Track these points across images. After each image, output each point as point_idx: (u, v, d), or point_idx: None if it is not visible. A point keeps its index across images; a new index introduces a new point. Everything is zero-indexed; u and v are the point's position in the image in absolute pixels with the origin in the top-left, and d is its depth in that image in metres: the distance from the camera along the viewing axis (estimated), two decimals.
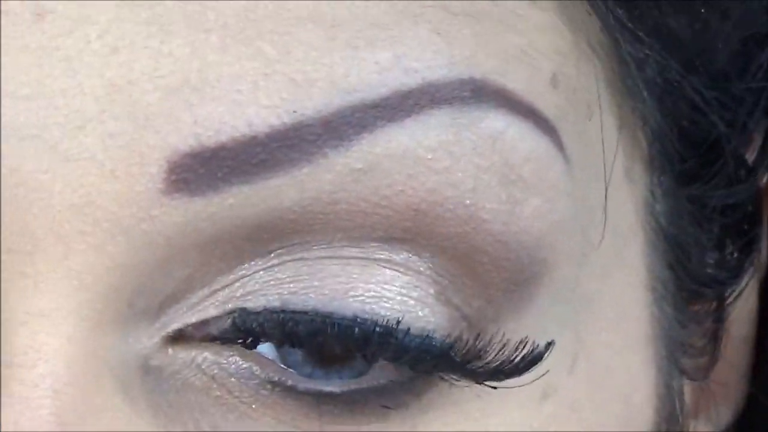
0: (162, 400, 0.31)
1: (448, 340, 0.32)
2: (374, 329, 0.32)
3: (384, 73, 0.31)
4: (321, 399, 0.32)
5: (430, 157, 0.31)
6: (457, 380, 0.33)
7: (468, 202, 0.32)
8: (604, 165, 0.35)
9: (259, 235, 0.31)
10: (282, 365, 0.32)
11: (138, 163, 0.30)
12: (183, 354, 0.32)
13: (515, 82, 0.32)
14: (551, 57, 0.33)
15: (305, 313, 0.32)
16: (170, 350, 0.32)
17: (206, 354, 0.32)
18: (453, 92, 0.31)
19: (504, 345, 0.33)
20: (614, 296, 0.36)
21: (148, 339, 0.31)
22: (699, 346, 0.39)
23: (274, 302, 0.32)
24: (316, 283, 0.32)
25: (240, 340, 0.32)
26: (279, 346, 0.32)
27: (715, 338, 0.40)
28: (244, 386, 0.32)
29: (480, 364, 0.32)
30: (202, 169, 0.30)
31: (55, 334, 0.30)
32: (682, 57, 0.36)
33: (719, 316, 0.40)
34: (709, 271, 0.39)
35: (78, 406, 0.30)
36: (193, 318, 0.32)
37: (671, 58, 0.36)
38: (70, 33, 0.30)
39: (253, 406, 0.32)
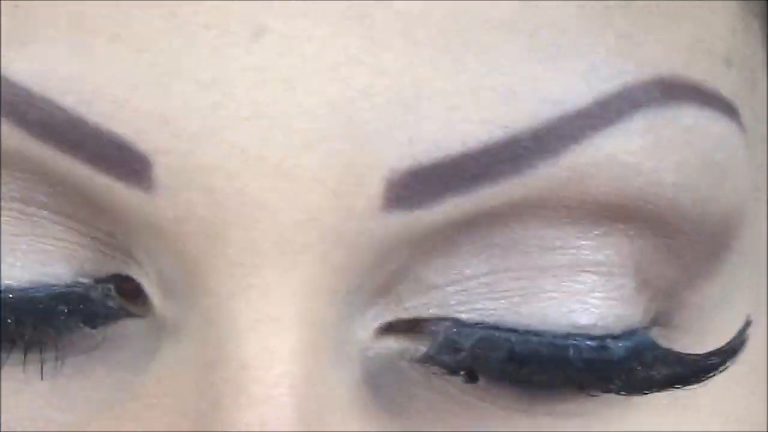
0: (383, 393, 0.33)
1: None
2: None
3: (585, 82, 0.31)
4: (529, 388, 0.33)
5: (635, 161, 0.32)
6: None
7: (670, 195, 0.32)
8: (767, 123, 0.36)
9: (469, 229, 0.32)
10: None
11: (357, 183, 0.30)
12: (395, 345, 0.33)
13: (698, 72, 0.33)
14: (724, 37, 0.34)
15: (521, 332, 0.33)
16: (383, 340, 0.33)
17: (418, 346, 0.33)
18: (646, 95, 0.32)
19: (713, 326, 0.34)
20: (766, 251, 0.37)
21: (362, 330, 0.33)
22: None
23: (490, 318, 0.33)
24: (532, 307, 0.33)
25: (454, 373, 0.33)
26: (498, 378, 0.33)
27: None
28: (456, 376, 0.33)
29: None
30: (418, 186, 0.30)
31: (286, 338, 0.31)
32: None
33: None
34: None
35: (315, 402, 0.31)
36: (404, 315, 0.33)
37: None
38: (287, 52, 0.30)
39: (477, 397, 0.33)
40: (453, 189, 0.31)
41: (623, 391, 0.33)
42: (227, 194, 0.30)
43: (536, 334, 0.32)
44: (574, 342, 0.32)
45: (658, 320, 0.34)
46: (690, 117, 0.32)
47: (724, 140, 0.33)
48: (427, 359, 0.33)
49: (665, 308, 0.34)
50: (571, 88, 0.31)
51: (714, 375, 0.34)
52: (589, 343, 0.32)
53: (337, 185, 0.30)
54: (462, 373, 0.33)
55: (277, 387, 0.31)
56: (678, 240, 0.33)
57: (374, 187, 0.30)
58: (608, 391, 0.33)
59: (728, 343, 0.34)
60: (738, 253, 0.35)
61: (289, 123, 0.30)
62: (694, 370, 0.34)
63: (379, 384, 0.33)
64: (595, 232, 0.33)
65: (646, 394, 0.33)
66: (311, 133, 0.30)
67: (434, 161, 0.30)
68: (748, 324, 0.35)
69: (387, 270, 0.32)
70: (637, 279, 0.33)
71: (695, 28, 0.33)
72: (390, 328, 0.33)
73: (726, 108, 0.33)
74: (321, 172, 0.30)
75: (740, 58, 0.34)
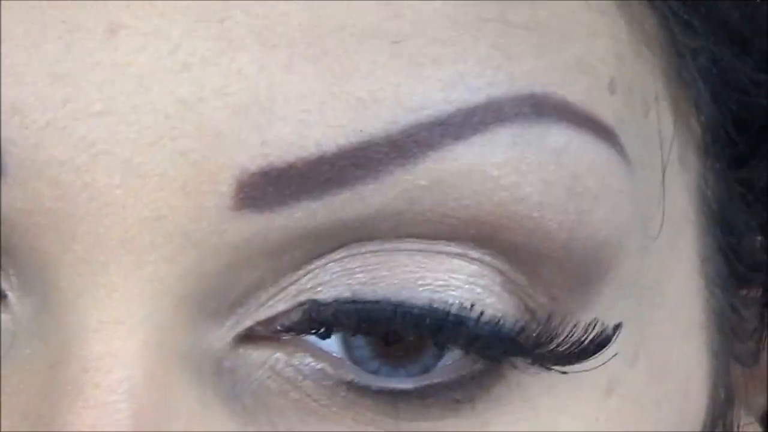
0: (237, 403, 0.32)
1: (517, 326, 0.32)
2: (447, 317, 0.32)
3: (447, 91, 0.31)
4: (396, 396, 0.32)
5: (496, 174, 0.31)
6: (526, 367, 0.33)
7: (535, 215, 0.32)
8: (662, 158, 0.35)
9: (327, 238, 0.31)
10: (352, 363, 0.32)
11: (208, 181, 0.30)
12: (255, 354, 0.32)
13: (575, 93, 0.32)
14: (609, 62, 0.33)
15: (377, 302, 0.32)
16: (241, 350, 0.32)
17: (278, 355, 0.32)
18: (515, 108, 0.31)
19: (574, 327, 0.33)
20: (671, 285, 0.36)
21: (219, 341, 0.32)
22: (748, 330, 0.40)
23: (345, 293, 0.32)
24: (384, 273, 0.32)
25: (313, 330, 0.32)
26: (351, 333, 0.32)
27: (762, 323, 0.40)
28: (320, 388, 0.32)
29: (550, 347, 0.33)
30: (270, 188, 0.30)
31: (130, 340, 0.30)
32: (732, 42, 0.36)
33: (765, 302, 0.40)
34: (757, 254, 0.39)
35: (154, 409, 0.30)
36: (263, 315, 0.32)
37: (723, 46, 0.36)
38: (142, 50, 0.30)
39: (333, 409, 0.32)
40: (306, 192, 0.30)
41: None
42: (75, 188, 0.30)
43: (393, 303, 0.32)
44: (433, 312, 0.32)
45: (535, 330, 0.33)
46: (561, 137, 0.32)
47: (599, 166, 0.32)
48: (287, 330, 0.32)
49: (540, 324, 0.33)
50: (432, 95, 0.30)
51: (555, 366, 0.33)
52: (450, 317, 0.32)
53: (186, 183, 0.30)
54: (321, 330, 0.32)
55: (114, 392, 0.30)
56: (545, 266, 0.32)
57: (225, 185, 0.30)
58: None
59: (580, 342, 0.33)
60: (616, 287, 0.34)
61: (139, 119, 0.29)
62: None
63: (233, 396, 0.32)
64: (456, 251, 0.32)
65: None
66: (161, 130, 0.29)
67: (287, 163, 0.30)
68: (611, 329, 0.34)
69: (246, 279, 0.31)
70: (503, 279, 0.32)
71: (577, 49, 0.33)
72: (249, 338, 0.32)
73: (604, 134, 0.33)
74: (170, 170, 0.30)
75: (627, 86, 0.34)
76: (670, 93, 0.35)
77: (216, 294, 0.31)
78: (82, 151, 0.30)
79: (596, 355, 0.33)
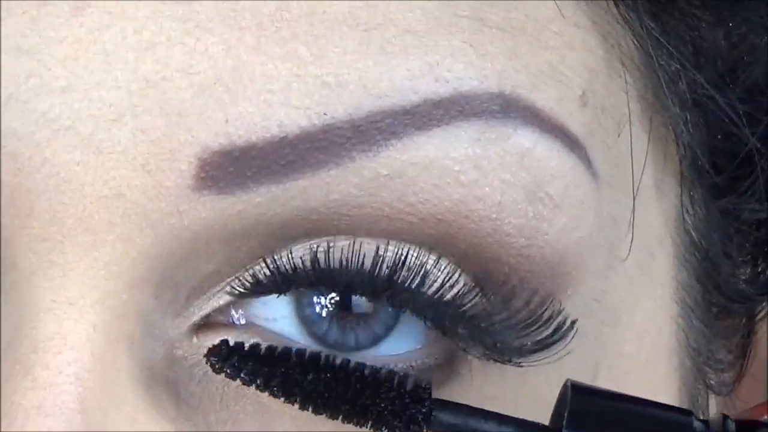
0: (184, 391, 0.32)
1: (469, 293, 0.32)
2: (402, 266, 0.32)
3: (415, 80, 0.31)
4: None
5: (457, 169, 0.31)
6: (482, 365, 0.33)
7: (494, 216, 0.31)
8: (632, 179, 0.35)
9: (285, 232, 0.31)
10: (304, 343, 0.32)
11: (168, 159, 0.30)
12: (207, 342, 0.32)
13: (545, 99, 0.32)
14: (582, 74, 0.33)
15: (332, 250, 0.32)
16: (195, 339, 0.32)
17: (229, 338, 0.32)
18: (482, 105, 0.31)
19: (533, 311, 0.33)
20: (640, 309, 0.36)
21: (173, 329, 0.32)
22: (726, 361, 0.39)
23: (306, 260, 0.32)
24: (341, 243, 0.32)
25: (273, 285, 0.32)
26: (307, 287, 0.32)
27: (742, 354, 0.39)
28: None
29: (501, 320, 0.32)
30: (231, 168, 0.30)
31: (81, 322, 0.30)
32: (716, 70, 0.36)
33: (748, 333, 0.40)
34: (740, 286, 0.39)
35: (100, 393, 0.30)
36: (221, 301, 0.32)
37: (704, 72, 0.36)
38: (107, 27, 0.30)
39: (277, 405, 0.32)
40: (268, 176, 0.30)
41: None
42: (34, 163, 0.30)
43: (350, 253, 0.32)
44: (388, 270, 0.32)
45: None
46: (527, 140, 0.32)
47: (563, 174, 0.32)
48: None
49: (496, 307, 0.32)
50: (399, 84, 0.30)
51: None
52: (401, 278, 0.32)
53: (146, 161, 0.30)
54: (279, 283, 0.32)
55: (62, 373, 0.30)
56: (502, 271, 0.32)
57: (185, 163, 0.30)
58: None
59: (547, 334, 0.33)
60: (576, 304, 0.33)
61: (102, 96, 0.30)
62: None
63: (181, 384, 0.32)
64: (411, 253, 0.32)
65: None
66: (124, 107, 0.30)
67: (248, 143, 0.30)
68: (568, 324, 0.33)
69: (203, 271, 0.31)
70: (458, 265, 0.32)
71: (551, 57, 0.32)
72: (205, 325, 0.32)
73: (571, 143, 0.33)
74: (131, 147, 0.30)
75: (599, 101, 0.34)
76: (646, 115, 0.35)
77: (172, 283, 0.31)
78: (43, 126, 0.30)
79: (552, 346, 0.33)
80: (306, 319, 0.33)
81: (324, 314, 0.33)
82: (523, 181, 0.32)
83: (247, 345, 0.32)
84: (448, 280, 0.32)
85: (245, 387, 0.32)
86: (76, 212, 0.30)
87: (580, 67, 0.33)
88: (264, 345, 0.32)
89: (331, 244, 0.32)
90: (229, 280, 0.32)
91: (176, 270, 0.31)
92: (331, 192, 0.31)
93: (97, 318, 0.30)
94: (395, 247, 0.32)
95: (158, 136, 0.30)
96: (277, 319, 0.33)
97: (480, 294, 0.32)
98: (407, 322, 0.33)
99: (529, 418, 0.32)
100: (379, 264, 0.32)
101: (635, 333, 0.36)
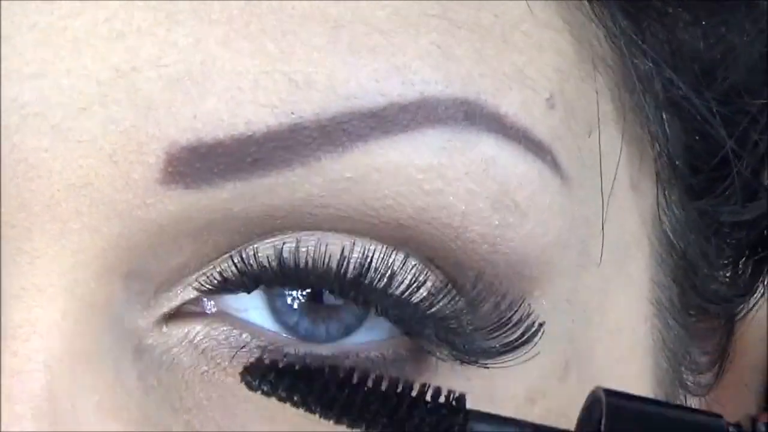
0: (154, 378, 0.32)
1: (436, 293, 0.32)
2: (369, 265, 0.32)
3: (382, 82, 0.31)
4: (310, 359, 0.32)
5: (421, 177, 0.31)
6: (450, 364, 0.33)
7: (456, 224, 0.31)
8: (602, 180, 0.35)
9: (251, 228, 0.31)
10: (274, 331, 0.33)
11: (137, 151, 0.30)
12: (177, 331, 0.32)
13: (509, 105, 0.32)
14: (550, 77, 0.33)
15: (299, 249, 0.32)
16: (165, 328, 0.32)
17: (198, 327, 0.32)
18: (447, 112, 0.31)
19: (501, 313, 0.33)
20: (613, 307, 0.36)
21: (143, 320, 0.32)
22: (703, 362, 0.39)
23: (272, 260, 0.32)
24: (311, 243, 0.32)
25: (240, 283, 0.32)
26: (274, 285, 0.32)
27: (721, 356, 0.39)
28: (235, 355, 0.32)
29: (477, 336, 0.32)
30: (198, 164, 0.30)
31: (50, 309, 0.30)
32: (693, 71, 0.36)
33: (726, 334, 0.39)
34: (717, 287, 0.39)
35: (69, 381, 0.31)
36: (191, 295, 0.32)
37: (681, 72, 0.35)
38: (78, 14, 0.30)
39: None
40: (234, 172, 0.30)
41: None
42: (3, 149, 0.30)
43: (319, 254, 0.32)
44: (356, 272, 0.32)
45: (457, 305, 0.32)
46: (491, 148, 0.32)
47: (529, 181, 0.32)
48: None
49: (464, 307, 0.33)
50: (368, 86, 0.31)
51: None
52: (367, 279, 0.32)
53: (114, 151, 0.30)
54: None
55: (31, 361, 0.30)
56: (467, 275, 0.32)
57: (153, 157, 0.30)
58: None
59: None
60: (545, 304, 0.33)
61: (72, 84, 0.30)
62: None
63: (150, 372, 0.32)
64: (377, 254, 0.32)
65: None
66: (93, 96, 0.30)
67: (216, 140, 0.30)
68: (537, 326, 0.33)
69: (172, 264, 0.32)
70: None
71: (518, 59, 0.32)
72: (175, 315, 0.32)
73: (536, 148, 0.32)
74: (100, 137, 0.30)
75: (569, 103, 0.33)
76: (620, 114, 0.35)
77: (141, 274, 0.31)
78: (13, 113, 0.30)
79: (519, 348, 0.33)
80: (277, 310, 0.33)
81: (295, 306, 0.33)
82: (488, 191, 0.32)
83: (281, 362, 0.32)
84: (415, 281, 0.32)
85: (210, 374, 0.32)
86: (43, 199, 0.30)
87: (549, 70, 0.33)
88: (297, 361, 0.32)
89: (299, 243, 0.32)
90: (197, 275, 0.32)
91: (144, 261, 0.31)
92: (296, 191, 0.31)
93: (65, 305, 0.31)
94: (361, 248, 0.32)
95: (126, 127, 0.30)
96: (249, 309, 0.33)
97: (448, 295, 0.32)
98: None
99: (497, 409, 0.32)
100: (345, 264, 0.32)
101: (608, 332, 0.36)
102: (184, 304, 0.32)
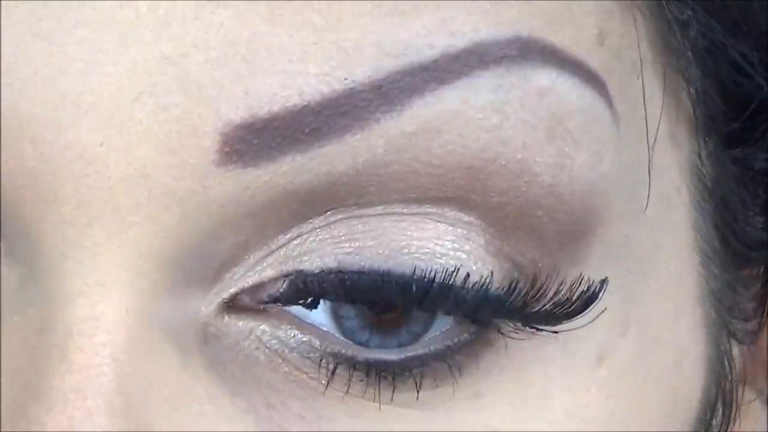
0: (224, 371, 0.32)
1: (503, 289, 0.32)
2: (432, 284, 0.32)
3: (431, 36, 0.31)
4: (384, 367, 0.32)
5: (480, 116, 0.31)
6: (516, 331, 0.33)
7: (519, 156, 0.32)
8: (646, 125, 0.35)
9: (314, 199, 0.31)
10: (339, 336, 0.33)
11: (191, 136, 0.30)
12: (240, 324, 0.32)
13: (562, 38, 0.32)
14: (596, 14, 0.33)
15: (362, 272, 0.32)
16: (226, 318, 0.32)
17: (264, 326, 0.32)
18: (501, 51, 0.31)
19: (560, 284, 0.33)
20: (663, 258, 0.36)
21: (205, 307, 0.32)
22: (748, 309, 0.39)
23: (331, 263, 0.32)
24: (370, 243, 0.32)
25: (300, 301, 0.32)
26: (338, 302, 0.32)
27: (763, 302, 0.40)
28: (306, 360, 0.32)
29: (537, 307, 0.33)
30: (255, 140, 0.30)
31: (114, 304, 0.30)
32: (726, 18, 0.36)
33: (766, 281, 0.40)
34: (756, 233, 0.39)
35: (138, 373, 0.30)
36: (250, 281, 0.32)
37: (714, 20, 0.36)
38: (121, 7, 0.30)
39: (323, 381, 0.32)
40: (292, 145, 0.30)
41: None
42: (57, 147, 0.30)
43: (379, 273, 0.32)
44: (418, 280, 0.32)
45: (522, 291, 0.33)
46: (545, 79, 0.32)
47: (583, 109, 0.32)
48: (274, 301, 0.32)
49: (527, 285, 0.33)
50: (416, 41, 0.30)
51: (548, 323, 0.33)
52: (434, 284, 0.32)
53: (169, 139, 0.30)
54: (308, 300, 0.32)
55: (97, 355, 0.30)
56: (536, 214, 0.32)
57: (208, 139, 0.30)
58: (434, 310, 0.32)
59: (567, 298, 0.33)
60: (605, 246, 0.34)
61: (120, 76, 0.30)
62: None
63: (219, 364, 0.32)
64: (442, 214, 0.32)
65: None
66: (143, 86, 0.30)
67: (271, 114, 0.30)
68: (598, 284, 0.34)
69: (232, 243, 0.31)
70: (486, 239, 0.32)
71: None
72: (235, 305, 0.32)
73: (590, 79, 0.33)
74: (153, 126, 0.30)
75: (617, 43, 0.34)
76: (659, 61, 0.35)
77: (201, 258, 0.31)
78: (64, 109, 0.30)
79: (584, 312, 0.33)
80: (346, 331, 0.33)
81: (363, 323, 0.33)
82: (544, 120, 0.32)
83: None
84: (481, 282, 0.32)
85: (293, 372, 0.32)
86: (102, 194, 0.30)
87: (594, 8, 0.33)
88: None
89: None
90: (258, 258, 0.32)
91: (204, 246, 0.31)
92: (357, 155, 0.31)
93: (128, 299, 0.30)
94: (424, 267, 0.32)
95: (179, 113, 0.30)
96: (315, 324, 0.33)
97: (516, 281, 0.33)
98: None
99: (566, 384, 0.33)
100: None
101: (661, 283, 0.36)
102: (243, 293, 0.32)
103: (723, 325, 0.38)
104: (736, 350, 0.39)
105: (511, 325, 0.33)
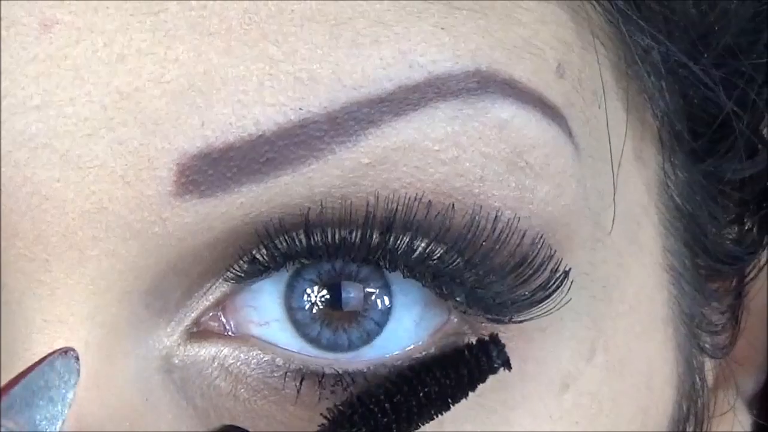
0: (187, 403, 0.32)
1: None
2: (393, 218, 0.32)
3: (388, 69, 0.31)
4: (346, 379, 0.32)
5: (437, 148, 0.31)
6: (484, 321, 0.33)
7: (476, 191, 0.32)
8: (611, 150, 0.35)
9: (270, 230, 0.31)
10: (303, 354, 0.33)
11: (147, 168, 0.30)
12: (203, 351, 0.32)
13: (522, 72, 0.32)
14: (556, 47, 0.33)
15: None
16: (189, 346, 0.32)
17: (225, 350, 0.32)
18: (459, 84, 0.31)
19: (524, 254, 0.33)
20: (630, 281, 0.36)
21: (167, 337, 0.32)
22: (719, 323, 0.39)
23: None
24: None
25: (270, 260, 0.32)
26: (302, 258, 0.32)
27: (735, 316, 0.40)
28: (269, 380, 0.32)
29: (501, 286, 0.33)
30: (210, 171, 0.30)
31: (72, 340, 0.30)
32: (688, 38, 0.36)
33: (739, 294, 0.40)
34: (727, 247, 0.39)
35: (98, 408, 0.31)
36: (211, 298, 0.32)
37: (677, 41, 0.36)
38: (77, 43, 0.30)
39: (282, 402, 0.32)
40: (248, 175, 0.30)
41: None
42: (16, 184, 0.30)
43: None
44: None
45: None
46: (505, 112, 0.32)
47: (543, 143, 0.32)
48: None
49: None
50: (373, 73, 0.31)
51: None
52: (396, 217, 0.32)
53: (126, 172, 0.30)
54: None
55: None
56: (493, 248, 0.32)
57: (164, 170, 0.30)
58: None
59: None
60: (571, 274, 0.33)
61: (76, 111, 0.30)
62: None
63: (183, 395, 0.32)
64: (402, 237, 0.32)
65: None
66: (99, 121, 0.30)
67: (227, 144, 0.30)
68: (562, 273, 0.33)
69: (191, 274, 0.31)
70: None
71: (524, 32, 0.33)
72: (199, 330, 0.32)
73: (551, 113, 0.33)
74: (109, 160, 0.30)
75: (577, 74, 0.34)
76: (621, 86, 0.35)
77: (161, 290, 0.31)
78: (21, 146, 0.30)
79: (549, 298, 0.33)
80: (298, 323, 0.33)
81: (315, 312, 0.33)
82: (503, 153, 0.32)
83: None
84: (441, 231, 0.32)
85: (252, 398, 0.32)
86: (59, 229, 0.30)
87: (554, 41, 0.33)
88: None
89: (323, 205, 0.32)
90: (214, 279, 0.32)
91: (164, 278, 0.31)
92: (314, 186, 0.31)
93: (88, 334, 0.31)
94: (385, 201, 0.32)
95: (135, 146, 0.30)
96: (270, 322, 0.33)
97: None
98: (398, 317, 0.33)
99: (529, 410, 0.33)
100: (370, 221, 0.32)
101: (629, 306, 0.36)
102: (204, 317, 0.32)
103: (693, 339, 0.38)
104: (708, 363, 0.39)
105: (479, 311, 0.33)
